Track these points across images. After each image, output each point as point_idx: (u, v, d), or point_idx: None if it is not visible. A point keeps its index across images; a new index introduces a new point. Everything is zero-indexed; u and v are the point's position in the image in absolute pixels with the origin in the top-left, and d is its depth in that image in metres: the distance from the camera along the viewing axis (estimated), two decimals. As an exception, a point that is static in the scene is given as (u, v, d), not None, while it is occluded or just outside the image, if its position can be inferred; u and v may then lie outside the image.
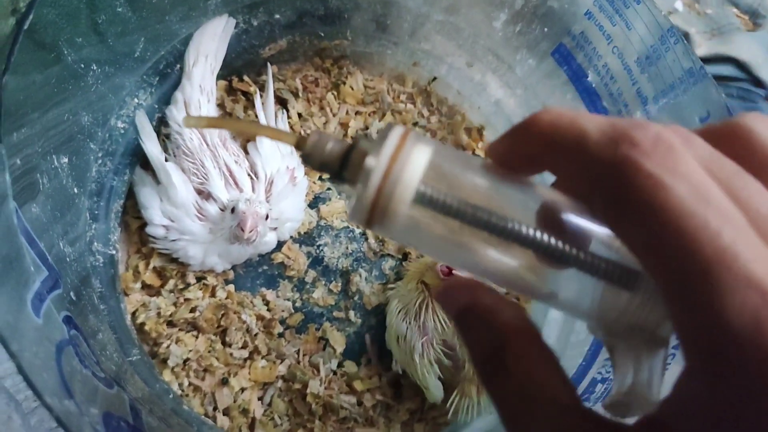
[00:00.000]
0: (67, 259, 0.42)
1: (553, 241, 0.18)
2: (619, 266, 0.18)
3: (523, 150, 0.19)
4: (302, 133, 0.68)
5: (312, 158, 0.20)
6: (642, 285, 0.18)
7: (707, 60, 0.78)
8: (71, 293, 0.40)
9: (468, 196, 0.19)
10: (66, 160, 0.43)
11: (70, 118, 0.43)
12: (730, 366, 0.13)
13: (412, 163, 0.18)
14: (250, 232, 0.53)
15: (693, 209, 0.14)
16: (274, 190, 0.59)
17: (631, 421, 0.17)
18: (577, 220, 0.19)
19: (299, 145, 0.20)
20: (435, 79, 0.70)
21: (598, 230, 0.18)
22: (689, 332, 0.14)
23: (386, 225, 0.19)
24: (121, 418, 0.33)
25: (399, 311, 0.58)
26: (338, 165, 0.19)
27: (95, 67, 0.45)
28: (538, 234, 0.18)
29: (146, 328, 0.57)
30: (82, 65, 0.43)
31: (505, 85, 0.63)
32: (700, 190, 0.14)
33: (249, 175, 0.59)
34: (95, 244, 0.51)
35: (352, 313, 0.64)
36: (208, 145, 0.57)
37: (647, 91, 0.47)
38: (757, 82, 0.77)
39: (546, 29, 0.54)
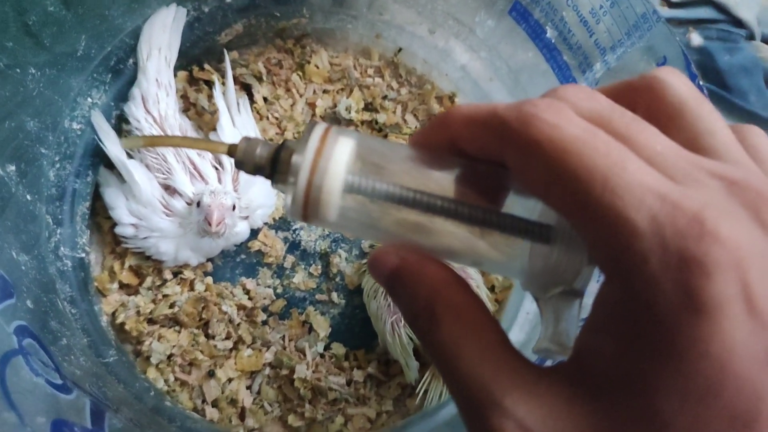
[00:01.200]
0: (23, 268, 0.42)
1: (472, 209, 0.20)
2: (536, 223, 0.20)
3: (444, 134, 0.21)
4: (265, 121, 0.67)
5: (245, 164, 0.21)
6: (558, 239, 0.20)
7: (685, 4, 0.76)
8: (28, 302, 0.40)
9: (394, 179, 0.20)
10: (13, 167, 0.42)
11: (11, 124, 0.42)
12: (636, 262, 0.15)
13: (337, 155, 0.19)
14: (218, 225, 0.52)
15: (584, 138, 0.16)
16: (241, 178, 0.58)
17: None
18: (493, 184, 0.21)
19: (231, 152, 0.21)
20: (401, 50, 0.68)
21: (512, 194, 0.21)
22: (598, 240, 0.16)
23: (322, 217, 0.20)
24: (75, 424, 0.32)
25: (370, 288, 0.58)
26: (270, 167, 0.20)
27: (33, 71, 0.44)
28: (458, 205, 0.20)
29: (126, 327, 0.57)
30: (18, 70, 0.42)
31: (469, 49, 0.61)
32: (587, 128, 0.17)
33: (214, 165, 0.58)
34: (62, 248, 0.51)
35: (334, 295, 0.63)
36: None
37: (605, 42, 0.46)
38: (737, 22, 0.74)
39: (501, -13, 0.52)
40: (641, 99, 0.19)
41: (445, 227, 0.20)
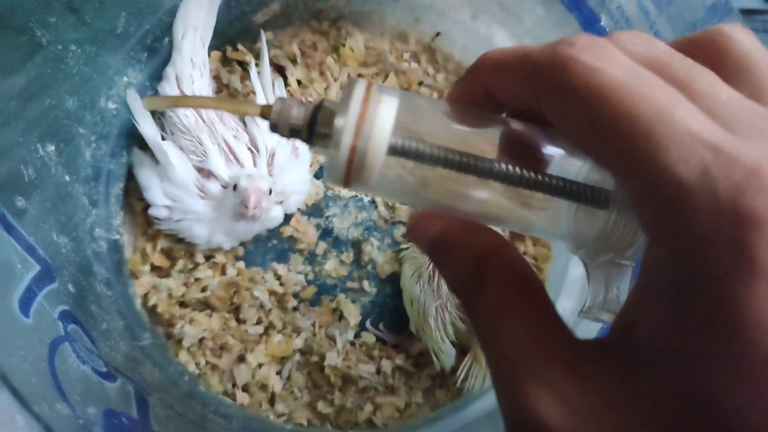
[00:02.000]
0: (64, 251, 0.41)
1: (523, 171, 0.19)
2: (591, 187, 0.19)
3: (478, 84, 0.19)
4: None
5: (280, 126, 0.19)
6: (612, 205, 0.19)
7: (733, -8, 0.73)
8: (69, 285, 0.39)
9: (437, 139, 0.19)
10: (53, 147, 0.41)
11: (53, 104, 0.41)
12: (684, 221, 0.14)
13: (381, 116, 0.18)
14: (254, 208, 0.51)
15: (627, 82, 0.15)
16: (276, 162, 0.57)
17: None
18: (541, 144, 0.20)
19: (264, 114, 0.19)
20: (438, 34, 0.66)
21: (566, 155, 0.20)
22: (642, 198, 0.15)
23: (363, 181, 0.19)
24: (123, 414, 0.32)
25: (412, 274, 0.57)
26: (307, 129, 0.19)
27: (74, 48, 0.43)
28: (506, 167, 0.19)
29: (158, 310, 0.56)
30: (60, 47, 0.41)
31: (512, 36, 0.60)
32: (633, 71, 0.15)
33: (249, 149, 0.57)
34: (97, 230, 0.50)
35: (366, 283, 0.62)
36: (204, 121, 0.55)
37: (666, 33, 0.44)
38: (787, 12, 0.72)
39: (553, -28, 0.50)
40: (702, 52, 0.18)
41: (492, 190, 0.19)
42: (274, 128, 0.19)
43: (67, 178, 0.44)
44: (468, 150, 0.19)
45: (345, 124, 0.18)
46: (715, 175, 0.13)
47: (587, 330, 0.51)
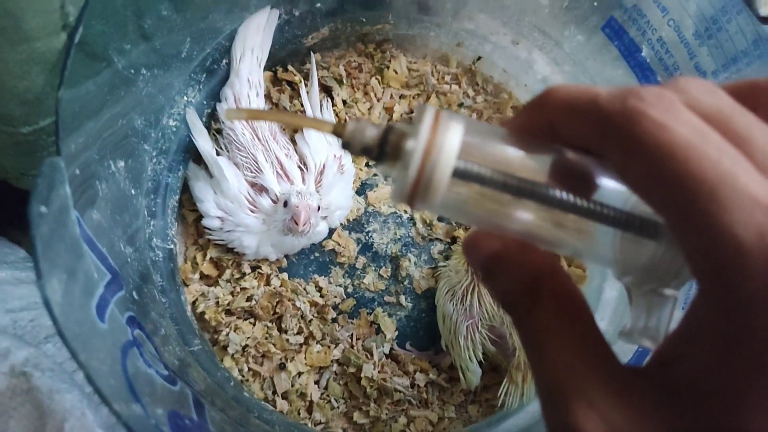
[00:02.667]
0: (128, 259, 0.44)
1: (577, 199, 0.20)
2: (639, 218, 0.20)
3: (540, 118, 0.20)
4: (345, 119, 0.68)
5: (352, 145, 0.21)
6: (661, 237, 0.19)
7: (776, 20, 0.73)
8: (133, 292, 0.42)
9: (497, 164, 0.20)
10: (122, 163, 0.45)
11: (123, 122, 0.45)
12: (739, 278, 0.14)
13: (449, 141, 0.19)
14: (304, 224, 0.54)
15: (694, 142, 0.15)
16: (324, 180, 0.60)
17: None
18: (592, 173, 0.20)
19: (337, 132, 0.21)
20: (480, 58, 0.68)
21: (615, 185, 0.20)
22: (699, 252, 0.16)
23: (428, 201, 0.20)
24: (186, 416, 0.34)
25: (446, 292, 0.58)
26: (378, 148, 0.20)
27: (144, 71, 0.46)
28: (562, 194, 0.20)
29: (206, 317, 0.59)
30: (132, 70, 0.44)
31: (552, 62, 0.61)
32: (699, 130, 0.16)
33: (299, 167, 0.59)
34: (154, 240, 0.54)
35: (402, 298, 0.64)
36: (259, 139, 0.58)
37: (707, 65, 0.45)
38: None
39: (595, 3, 0.52)
40: (765, 99, 0.18)
41: (545, 215, 0.20)
42: (347, 146, 0.21)
43: (132, 191, 0.47)
44: (524, 175, 0.20)
45: (415, 147, 0.19)
46: None
47: (621, 351, 0.52)
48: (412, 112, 0.69)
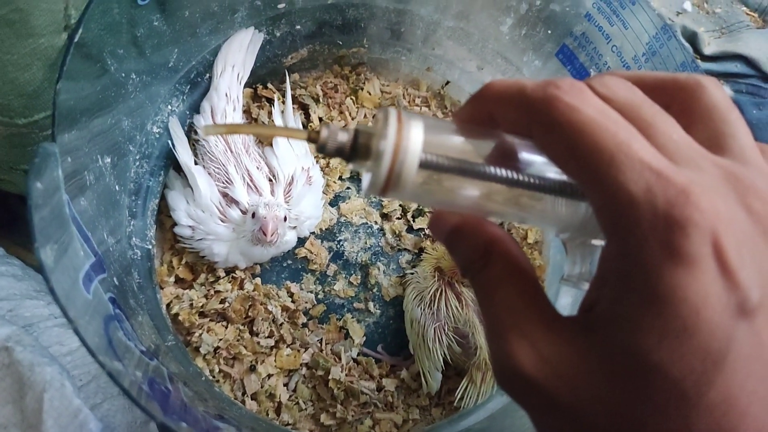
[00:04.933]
0: (110, 249, 0.46)
1: (516, 174, 0.23)
2: (570, 184, 0.23)
3: (480, 109, 0.24)
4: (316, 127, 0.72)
5: (327, 148, 0.23)
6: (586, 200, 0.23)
7: (717, 58, 0.80)
8: (114, 279, 0.44)
9: (451, 152, 0.23)
10: (109, 160, 0.48)
11: (113, 123, 0.48)
12: (631, 225, 0.18)
13: (413, 138, 0.22)
14: (272, 235, 0.56)
15: (598, 119, 0.19)
16: (293, 191, 0.63)
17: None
18: (530, 154, 0.24)
19: (312, 138, 0.24)
20: (448, 83, 0.73)
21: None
22: (602, 208, 0.19)
23: (398, 191, 0.23)
24: (161, 383, 0.37)
25: (414, 297, 0.62)
26: (349, 150, 0.23)
27: (135, 77, 0.49)
28: (505, 171, 0.23)
29: (180, 318, 0.61)
30: (123, 75, 0.48)
31: (514, 86, 0.66)
32: (602, 110, 0.20)
33: (269, 178, 0.63)
34: (134, 238, 0.56)
35: (371, 305, 0.67)
36: (232, 152, 0.61)
37: (644, 87, 0.50)
38: (766, 77, 0.79)
39: (549, 31, 0.57)
40: (680, 94, 0.22)
41: (494, 191, 0.24)
42: (322, 149, 0.23)
43: (117, 188, 0.50)
44: (474, 159, 0.23)
45: (385, 147, 0.22)
46: (655, 192, 0.18)
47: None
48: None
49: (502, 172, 0.23)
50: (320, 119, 0.73)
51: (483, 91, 0.24)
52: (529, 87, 0.21)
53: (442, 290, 0.61)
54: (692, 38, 0.81)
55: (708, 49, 0.81)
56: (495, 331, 0.22)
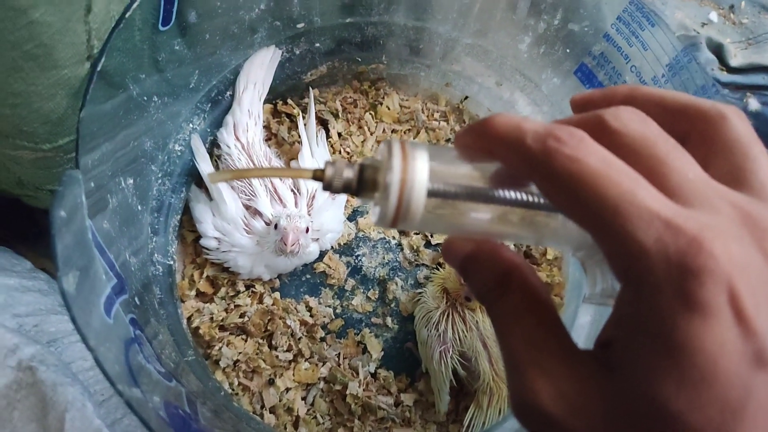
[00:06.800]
0: (132, 269, 0.48)
1: (525, 195, 0.23)
2: None
3: (481, 144, 0.23)
4: (338, 155, 0.73)
5: (334, 186, 0.24)
6: None
7: (743, 70, 0.79)
8: (135, 298, 0.45)
9: (456, 178, 0.23)
10: (131, 181, 0.49)
11: (134, 144, 0.49)
12: (643, 274, 0.18)
13: (419, 169, 0.22)
14: (293, 245, 0.57)
15: (600, 169, 0.19)
16: (315, 204, 0.64)
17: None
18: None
19: (317, 177, 0.24)
20: (467, 98, 0.73)
21: None
22: (613, 256, 0.19)
23: (408, 222, 0.23)
24: (179, 407, 0.38)
25: (423, 317, 0.62)
26: (356, 185, 0.24)
27: (156, 99, 0.51)
28: (513, 194, 0.23)
29: (200, 331, 0.62)
30: (145, 98, 0.49)
31: (532, 103, 0.66)
32: (604, 159, 0.19)
33: (292, 190, 0.64)
34: (155, 255, 0.57)
35: (389, 320, 0.68)
36: (255, 164, 0.63)
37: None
38: (794, 90, 0.77)
39: (568, 50, 0.57)
40: (700, 124, 0.22)
41: (505, 214, 0.24)
42: (329, 187, 0.23)
43: (139, 207, 0.51)
44: (479, 183, 0.23)
45: (392, 179, 0.22)
46: (665, 242, 0.17)
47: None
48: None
49: (510, 194, 0.23)
50: (339, 134, 0.73)
51: (482, 129, 0.23)
52: (530, 136, 0.20)
53: (448, 313, 0.61)
54: (718, 50, 0.79)
55: (734, 61, 0.79)
56: (513, 364, 0.22)
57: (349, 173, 0.23)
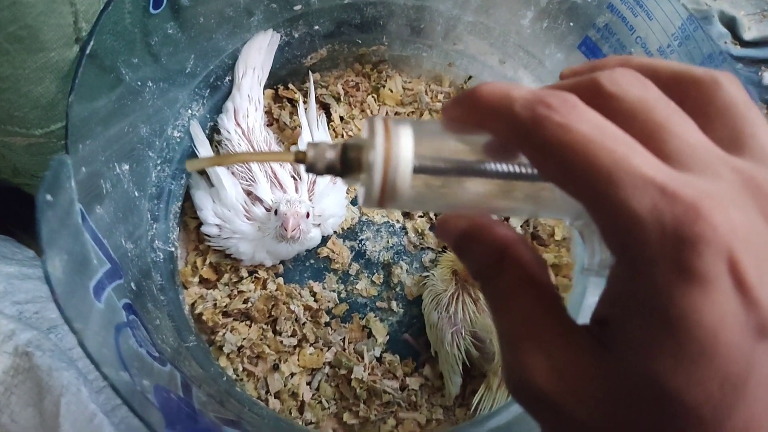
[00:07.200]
0: (129, 255, 0.48)
1: (516, 167, 0.22)
2: None
3: (469, 115, 0.22)
4: (340, 139, 0.72)
5: (317, 167, 0.23)
6: None
7: (757, 43, 0.76)
8: (132, 284, 0.45)
9: (444, 153, 0.22)
10: (127, 167, 0.49)
11: (130, 130, 0.49)
12: (638, 245, 0.17)
13: (403, 146, 0.21)
14: (293, 231, 0.57)
15: (592, 137, 0.18)
16: (316, 189, 0.63)
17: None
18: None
19: (299, 159, 0.23)
20: (470, 78, 0.72)
21: None
22: (607, 227, 0.18)
23: (396, 201, 0.22)
24: (171, 391, 0.37)
25: (432, 300, 0.61)
26: (340, 166, 0.22)
27: (151, 84, 0.50)
28: (504, 166, 0.22)
29: (204, 318, 0.62)
30: (139, 83, 0.48)
31: (537, 79, 0.65)
32: (597, 125, 0.18)
33: (293, 176, 0.63)
34: (156, 242, 0.57)
35: (394, 303, 0.67)
36: (255, 150, 0.62)
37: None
38: (811, 63, 0.74)
39: (571, 23, 0.55)
40: (695, 91, 0.21)
41: (497, 187, 0.22)
42: (312, 169, 0.23)
43: (136, 193, 0.51)
44: (469, 156, 0.22)
45: (375, 158, 0.21)
46: (661, 209, 0.16)
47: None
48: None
49: (501, 166, 0.22)
50: (341, 118, 0.72)
51: (470, 99, 0.22)
52: (518, 104, 0.19)
53: (458, 294, 0.60)
54: (731, 23, 0.77)
55: (748, 34, 0.77)
56: (509, 341, 0.21)
57: (331, 154, 0.22)
